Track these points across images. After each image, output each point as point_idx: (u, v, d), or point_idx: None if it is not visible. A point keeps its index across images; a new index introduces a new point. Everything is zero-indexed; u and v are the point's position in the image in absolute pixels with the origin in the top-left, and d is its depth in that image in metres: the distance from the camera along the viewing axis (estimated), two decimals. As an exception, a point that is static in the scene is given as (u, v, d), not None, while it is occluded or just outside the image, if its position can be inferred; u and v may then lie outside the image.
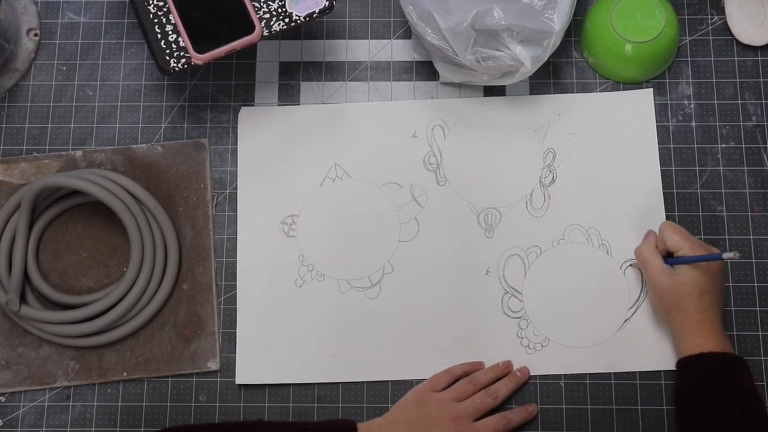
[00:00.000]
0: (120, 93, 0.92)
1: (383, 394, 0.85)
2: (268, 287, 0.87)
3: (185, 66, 0.80)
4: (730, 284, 0.86)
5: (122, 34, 0.94)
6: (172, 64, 0.80)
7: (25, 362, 0.86)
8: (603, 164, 0.89)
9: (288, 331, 0.86)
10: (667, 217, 0.88)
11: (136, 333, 0.86)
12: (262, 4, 0.81)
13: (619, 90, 0.91)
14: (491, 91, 0.92)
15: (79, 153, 0.90)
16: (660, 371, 0.84)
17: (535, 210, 0.88)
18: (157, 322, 0.86)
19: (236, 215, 0.89)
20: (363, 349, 0.85)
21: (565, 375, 0.85)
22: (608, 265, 0.87)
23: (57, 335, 0.84)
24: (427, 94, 0.92)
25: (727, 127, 0.90)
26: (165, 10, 0.81)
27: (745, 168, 0.89)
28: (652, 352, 0.84)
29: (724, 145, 0.90)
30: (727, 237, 0.87)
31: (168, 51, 0.80)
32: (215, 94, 0.92)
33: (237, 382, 0.85)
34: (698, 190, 0.89)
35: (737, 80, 0.91)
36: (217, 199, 0.90)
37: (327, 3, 0.81)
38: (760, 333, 0.85)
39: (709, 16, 0.93)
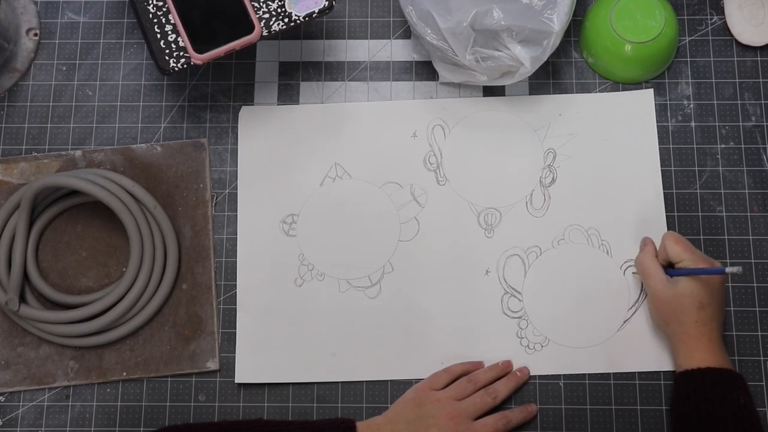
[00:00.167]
0: (119, 93, 0.92)
1: (383, 393, 0.85)
2: (268, 287, 0.87)
3: (185, 66, 0.80)
4: (730, 285, 0.86)
5: (122, 34, 0.94)
6: (172, 64, 0.80)
7: (25, 362, 0.86)
8: (603, 164, 0.89)
9: (288, 330, 0.86)
10: (667, 218, 0.88)
11: (135, 333, 0.86)
12: (261, 4, 0.81)
13: (618, 90, 0.91)
14: (491, 91, 0.92)
15: (78, 153, 0.90)
16: (659, 371, 0.84)
17: (535, 210, 0.88)
18: (156, 322, 0.86)
19: (236, 215, 0.89)
20: (363, 348, 0.85)
21: (564, 375, 0.85)
22: (608, 266, 0.87)
23: (56, 335, 0.84)
24: (427, 94, 0.92)
25: (727, 128, 0.90)
26: (164, 10, 0.81)
27: (745, 168, 0.89)
28: (651, 352, 0.84)
29: (723, 146, 0.90)
30: (726, 237, 0.87)
31: (167, 51, 0.80)
32: (215, 94, 0.92)
33: (236, 382, 0.85)
34: (698, 191, 0.89)
35: (737, 80, 0.91)
36: (216, 199, 0.90)
37: (326, 3, 0.81)
38: (760, 333, 0.85)
39: (708, 17, 0.93)
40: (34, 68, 0.93)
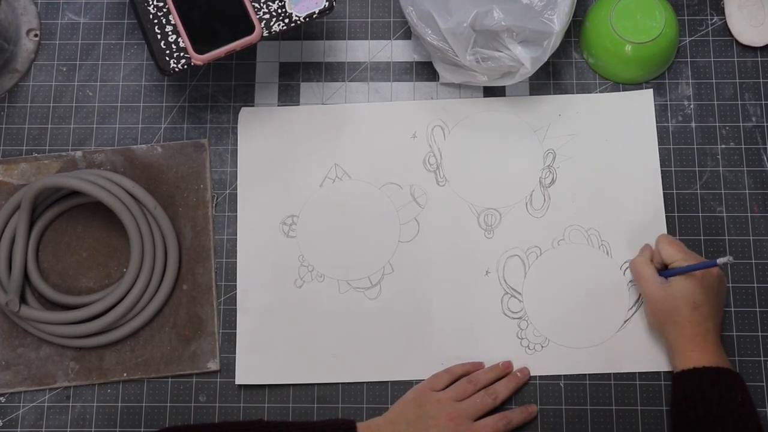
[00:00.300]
0: (120, 93, 0.92)
1: (383, 394, 0.85)
2: (268, 288, 0.87)
3: (185, 66, 0.80)
4: (730, 285, 0.86)
5: (122, 35, 0.94)
6: (172, 65, 0.80)
7: (25, 363, 0.86)
8: (603, 165, 0.89)
9: (288, 331, 0.86)
10: (667, 218, 0.88)
11: (136, 333, 0.86)
12: (262, 4, 0.81)
13: (619, 90, 0.91)
14: (491, 91, 0.92)
15: (79, 153, 0.90)
16: (660, 372, 0.84)
17: (535, 210, 0.88)
18: (157, 323, 0.86)
19: (236, 216, 0.89)
20: (363, 349, 0.85)
21: (564, 375, 0.85)
22: (608, 266, 0.87)
23: (57, 336, 0.85)
24: (427, 95, 0.92)
25: (727, 128, 0.90)
26: (165, 10, 0.81)
27: (745, 168, 0.89)
28: (652, 352, 0.84)
29: (723, 146, 0.90)
30: (726, 237, 0.87)
31: (168, 51, 0.80)
32: (215, 95, 0.92)
33: (237, 383, 0.85)
34: (698, 191, 0.89)
35: (737, 81, 0.91)
36: (217, 199, 0.90)
37: (327, 3, 0.81)
38: (760, 333, 0.85)
39: (708, 17, 0.93)
40: (35, 69, 0.93)
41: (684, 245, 0.82)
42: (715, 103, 0.91)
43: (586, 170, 0.89)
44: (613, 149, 0.89)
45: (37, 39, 0.94)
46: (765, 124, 0.90)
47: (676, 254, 0.80)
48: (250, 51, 0.93)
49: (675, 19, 0.89)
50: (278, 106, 0.92)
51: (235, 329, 0.86)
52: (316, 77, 0.93)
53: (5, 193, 0.89)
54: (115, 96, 0.92)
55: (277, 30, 0.81)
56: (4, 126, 0.92)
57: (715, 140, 0.90)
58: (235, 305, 0.87)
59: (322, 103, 0.92)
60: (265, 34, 0.81)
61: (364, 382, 0.85)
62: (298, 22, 0.81)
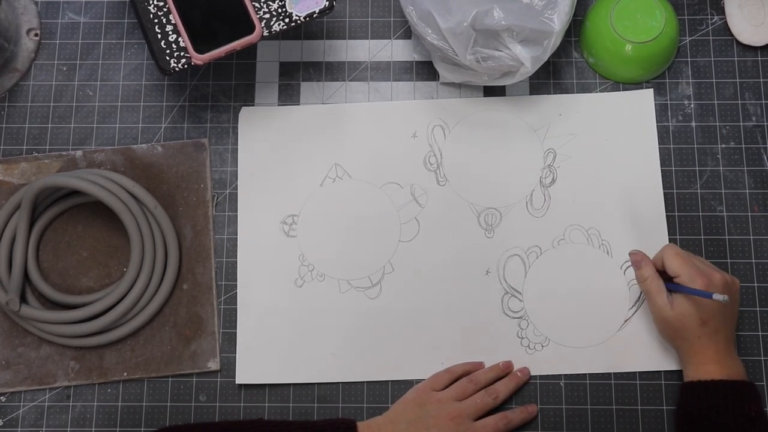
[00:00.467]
0: (120, 93, 0.92)
1: (383, 394, 0.85)
2: (269, 287, 0.87)
3: (185, 66, 0.80)
4: (730, 284, 0.86)
5: (122, 34, 0.94)
6: (172, 64, 0.80)
7: (26, 362, 0.86)
8: (603, 164, 0.89)
9: (288, 331, 0.86)
10: (668, 217, 0.88)
11: (136, 333, 0.86)
12: (262, 4, 0.81)
13: (619, 90, 0.91)
14: (491, 91, 0.92)
15: (79, 153, 0.90)
16: (660, 371, 0.84)
17: (536, 210, 0.88)
18: (157, 322, 0.86)
19: (236, 215, 0.89)
20: (363, 349, 0.85)
21: (565, 375, 0.85)
22: (608, 265, 0.87)
23: (57, 335, 0.85)
24: (427, 95, 0.92)
25: (727, 127, 0.90)
26: (165, 10, 0.81)
27: (745, 168, 0.89)
28: (652, 352, 0.84)
29: (724, 145, 0.90)
30: (727, 237, 0.87)
31: (168, 51, 0.80)
32: (215, 94, 0.92)
33: (237, 382, 0.85)
34: (698, 190, 0.89)
35: (737, 80, 0.91)
36: (217, 199, 0.90)
37: (327, 3, 0.81)
38: (760, 333, 0.85)
39: (709, 16, 0.93)
40: (35, 68, 0.93)
41: (690, 257, 0.80)
42: (716, 102, 0.91)
43: (587, 170, 0.89)
44: (613, 149, 0.89)
45: (37, 38, 0.94)
46: (765, 123, 0.90)
47: (680, 269, 0.78)
48: (251, 51, 0.93)
49: (675, 19, 0.89)
50: (278, 105, 0.92)
51: (236, 329, 0.86)
52: (316, 77, 0.93)
53: (5, 192, 0.89)
54: (115, 95, 0.92)
55: (278, 30, 0.81)
56: (4, 125, 0.92)
57: (716, 140, 0.90)
58: (236, 305, 0.87)
59: (323, 103, 0.92)
60: (266, 33, 0.81)
61: (364, 382, 0.85)
62: (299, 21, 0.81)
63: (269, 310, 0.86)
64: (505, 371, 0.84)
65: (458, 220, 0.88)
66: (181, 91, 0.93)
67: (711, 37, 0.93)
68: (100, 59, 0.93)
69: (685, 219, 0.88)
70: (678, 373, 0.84)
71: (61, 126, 0.92)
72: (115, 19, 0.94)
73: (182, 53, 0.81)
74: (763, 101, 0.91)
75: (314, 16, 0.81)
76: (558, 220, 0.88)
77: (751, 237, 0.88)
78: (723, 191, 0.89)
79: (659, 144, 0.90)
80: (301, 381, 0.85)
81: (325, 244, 0.88)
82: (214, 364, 0.85)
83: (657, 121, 0.90)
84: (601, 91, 0.92)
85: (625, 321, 0.85)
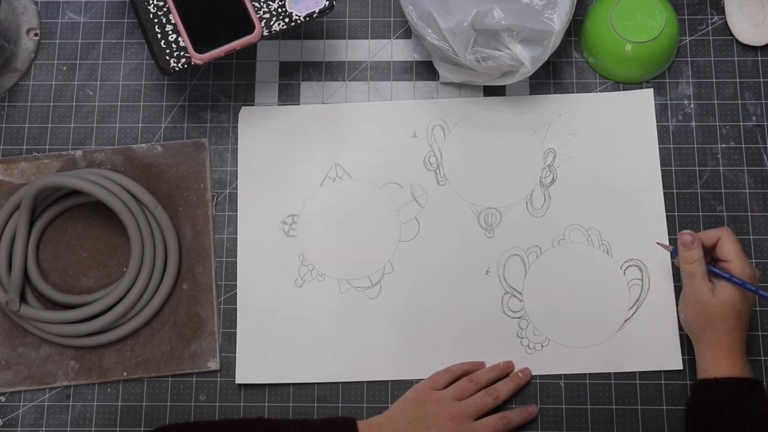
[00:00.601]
0: (120, 93, 0.92)
1: (383, 393, 0.85)
2: (269, 287, 0.87)
3: (185, 66, 0.80)
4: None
5: (122, 34, 0.94)
6: (172, 64, 0.80)
7: (25, 362, 0.86)
8: (603, 164, 0.89)
9: (288, 330, 0.86)
10: (668, 217, 0.87)
11: (136, 333, 0.86)
12: (262, 4, 0.81)
13: (619, 90, 0.91)
14: (491, 91, 0.92)
15: (79, 153, 0.90)
16: (660, 371, 0.84)
17: (536, 210, 0.88)
18: (157, 322, 0.86)
19: (236, 215, 0.89)
20: (363, 349, 0.85)
21: (565, 375, 0.85)
22: (608, 265, 0.87)
23: (57, 335, 0.84)
24: (427, 94, 0.92)
25: (727, 127, 0.90)
26: (165, 9, 0.81)
27: (745, 168, 0.89)
28: (652, 352, 0.84)
29: (724, 145, 0.90)
30: (727, 237, 0.87)
31: (168, 51, 0.80)
32: (215, 94, 0.92)
33: (237, 382, 0.85)
34: (698, 190, 0.89)
35: (737, 80, 0.91)
36: (217, 199, 0.90)
37: (327, 3, 0.81)
38: (760, 333, 0.85)
39: (709, 16, 0.93)
40: (35, 68, 0.93)
41: (742, 247, 0.78)
42: (716, 102, 0.91)
43: (587, 170, 0.89)
44: (613, 149, 0.89)
45: (37, 38, 0.94)
46: (765, 123, 0.90)
47: (735, 256, 0.77)
48: (250, 50, 0.93)
49: (675, 19, 0.89)
50: (278, 105, 0.92)
51: (235, 329, 0.86)
52: (316, 76, 0.93)
53: (5, 192, 0.89)
54: (115, 95, 0.92)
55: (277, 29, 0.81)
56: (4, 125, 0.92)
57: (716, 140, 0.90)
58: (235, 305, 0.87)
59: (322, 103, 0.92)
60: (265, 33, 0.81)
61: (364, 382, 0.85)
62: (298, 21, 0.81)
63: (269, 310, 0.86)
64: (505, 371, 0.84)
65: (458, 220, 0.88)
66: (181, 90, 0.93)
67: (711, 37, 0.93)
68: (100, 59, 0.93)
69: (686, 219, 0.88)
70: (678, 373, 0.84)
71: (61, 126, 0.92)
72: (115, 19, 0.94)
73: (182, 53, 0.81)
74: (763, 101, 0.91)
75: (314, 15, 0.81)
76: (558, 220, 0.88)
77: (751, 237, 0.88)
78: (723, 191, 0.89)
79: (659, 144, 0.90)
80: (301, 381, 0.85)
81: (325, 244, 0.88)
82: (214, 364, 0.85)
83: (657, 121, 0.90)
84: (601, 91, 0.92)
85: (625, 321, 0.85)
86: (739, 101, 0.91)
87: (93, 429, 0.85)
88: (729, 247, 0.78)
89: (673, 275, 0.86)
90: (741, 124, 0.90)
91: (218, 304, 0.87)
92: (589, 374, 0.85)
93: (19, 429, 0.84)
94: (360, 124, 0.91)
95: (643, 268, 0.86)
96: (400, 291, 0.87)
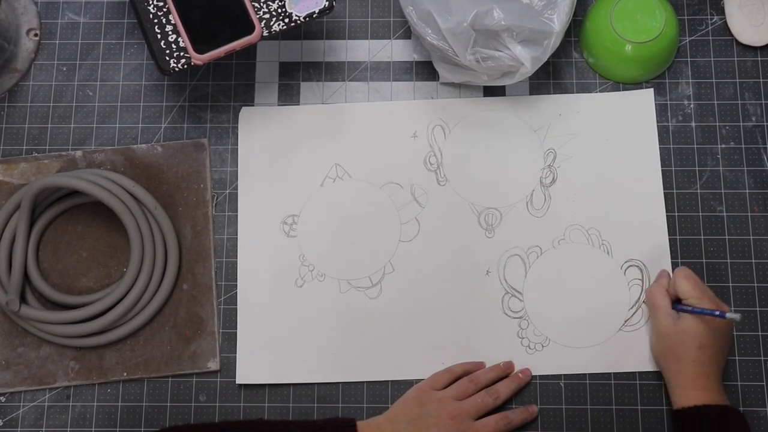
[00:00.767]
0: (120, 93, 0.92)
1: (383, 394, 0.85)
2: (269, 287, 0.87)
3: (185, 66, 0.80)
4: (730, 284, 0.86)
5: (122, 34, 0.94)
6: (172, 65, 0.80)
7: (25, 362, 0.86)
8: (603, 164, 0.89)
9: (288, 331, 0.86)
10: (668, 217, 0.88)
11: (136, 333, 0.86)
12: (262, 4, 0.81)
13: (619, 90, 0.92)
14: (491, 91, 0.92)
15: (79, 153, 0.90)
16: (659, 371, 0.84)
17: (536, 210, 0.88)
18: (157, 322, 0.86)
19: (236, 215, 0.89)
20: (363, 349, 0.85)
21: (565, 375, 0.85)
22: (608, 265, 0.87)
23: (57, 335, 0.84)
24: (427, 95, 0.92)
25: (727, 128, 0.90)
26: (165, 10, 0.81)
27: (745, 168, 0.89)
28: (651, 352, 0.84)
29: (724, 146, 0.90)
30: (726, 237, 0.87)
31: (168, 51, 0.80)
32: (215, 95, 0.92)
33: (237, 382, 0.85)
34: (698, 190, 0.89)
35: (737, 80, 0.91)
36: (217, 199, 0.90)
37: (327, 3, 0.81)
38: (760, 333, 0.85)
39: (709, 17, 0.93)
40: (35, 69, 0.93)
41: (701, 282, 0.80)
42: (715, 102, 0.91)
43: (587, 170, 0.89)
44: (613, 149, 0.89)
45: (37, 39, 0.94)
46: (765, 123, 0.90)
47: (691, 291, 0.78)
48: (250, 51, 0.93)
49: (675, 19, 0.89)
50: (278, 105, 0.92)
51: (236, 329, 0.86)
52: (316, 77, 0.93)
53: (5, 192, 0.89)
54: (115, 96, 0.92)
55: (277, 30, 0.81)
56: (4, 126, 0.92)
57: (715, 140, 0.90)
58: (236, 305, 0.87)
59: (322, 103, 0.92)
60: (265, 33, 0.81)
61: (364, 382, 0.85)
62: (298, 21, 0.81)
63: (269, 310, 0.86)
64: (506, 371, 0.84)
65: (458, 220, 0.88)
66: (181, 91, 0.93)
67: (711, 37, 0.93)
68: (99, 59, 0.93)
69: (685, 219, 0.88)
70: (678, 373, 0.84)
71: (61, 126, 0.92)
72: (115, 19, 0.94)
73: (182, 53, 0.81)
74: (763, 101, 0.91)
75: (314, 16, 0.81)
76: (558, 220, 0.88)
77: (751, 237, 0.88)
78: (723, 191, 0.89)
79: (659, 144, 0.90)
80: (301, 381, 0.85)
81: (325, 244, 0.88)
82: (214, 364, 0.85)
83: (657, 121, 0.90)
84: (601, 91, 0.92)
85: (625, 321, 0.85)
86: (739, 101, 0.91)
87: (93, 429, 0.85)
88: (682, 284, 0.80)
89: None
90: (741, 124, 0.90)
91: (218, 304, 0.87)
92: (589, 374, 0.85)
93: (19, 429, 0.84)
94: (360, 125, 0.91)
95: (644, 268, 0.86)
96: (401, 291, 0.87)
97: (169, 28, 0.81)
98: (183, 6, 0.81)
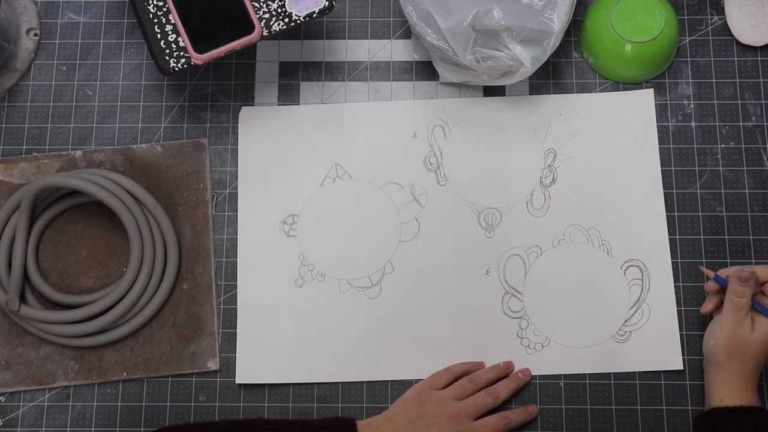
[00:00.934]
0: (120, 93, 0.92)
1: (383, 394, 0.85)
2: (269, 287, 0.87)
3: (185, 66, 0.80)
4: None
5: (122, 34, 0.94)
6: (172, 64, 0.80)
7: (25, 362, 0.85)
8: (603, 164, 0.89)
9: (288, 331, 0.86)
10: (668, 217, 0.87)
11: (135, 333, 0.86)
12: (261, 4, 0.81)
13: (619, 90, 0.91)
14: (491, 91, 0.92)
15: (78, 153, 0.90)
16: (660, 371, 0.84)
17: (536, 210, 0.88)
18: (156, 322, 0.86)
19: (236, 215, 0.89)
20: (363, 349, 0.85)
21: (565, 375, 0.85)
22: (609, 265, 0.87)
23: (57, 335, 0.84)
24: (427, 94, 0.92)
25: (727, 127, 0.90)
26: (165, 10, 0.81)
27: (745, 168, 0.89)
28: (652, 352, 0.84)
29: (723, 145, 0.90)
30: (726, 237, 0.87)
31: (168, 51, 0.80)
32: (215, 94, 0.92)
33: (237, 382, 0.85)
34: (698, 190, 0.89)
35: (737, 80, 0.91)
36: (216, 199, 0.90)
37: (327, 3, 0.81)
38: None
39: (708, 16, 0.93)
40: (35, 68, 0.93)
41: None
42: (715, 102, 0.91)
43: (587, 170, 0.89)
44: (613, 149, 0.89)
45: (37, 38, 0.94)
46: (765, 123, 0.90)
47: None
48: (250, 50, 0.93)
49: (675, 19, 0.89)
50: (278, 105, 0.92)
51: (235, 329, 0.86)
52: (316, 77, 0.93)
53: (5, 192, 0.89)
54: (114, 95, 0.92)
55: (277, 29, 0.81)
56: (4, 125, 0.92)
57: (715, 140, 0.90)
58: (235, 304, 0.87)
59: (322, 103, 0.92)
60: (265, 33, 0.81)
61: (364, 382, 0.85)
62: (298, 21, 0.81)
63: (269, 310, 0.86)
64: (505, 371, 0.84)
65: (458, 220, 0.88)
66: (181, 91, 0.93)
67: (711, 37, 0.93)
68: (99, 59, 0.93)
69: (685, 219, 0.88)
70: (678, 374, 0.84)
71: (61, 126, 0.91)
72: (115, 19, 0.94)
73: (182, 53, 0.81)
74: (763, 101, 0.91)
75: (314, 16, 0.81)
76: (558, 220, 0.88)
77: (751, 237, 0.88)
78: (723, 191, 0.89)
79: (659, 144, 0.90)
80: (301, 381, 0.85)
81: (325, 244, 0.88)
82: (213, 364, 0.85)
83: (657, 121, 0.90)
84: (601, 91, 0.92)
85: (625, 321, 0.85)
86: (739, 101, 0.91)
87: (93, 429, 0.85)
88: None
89: (674, 275, 0.86)
90: (741, 124, 0.90)
91: (218, 304, 0.87)
92: (589, 374, 0.85)
93: (19, 429, 0.84)
94: (360, 124, 0.91)
95: (644, 268, 0.86)
96: (401, 291, 0.87)
97: (169, 27, 0.81)
98: (183, 6, 0.81)
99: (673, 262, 0.87)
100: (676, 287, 0.86)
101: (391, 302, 0.86)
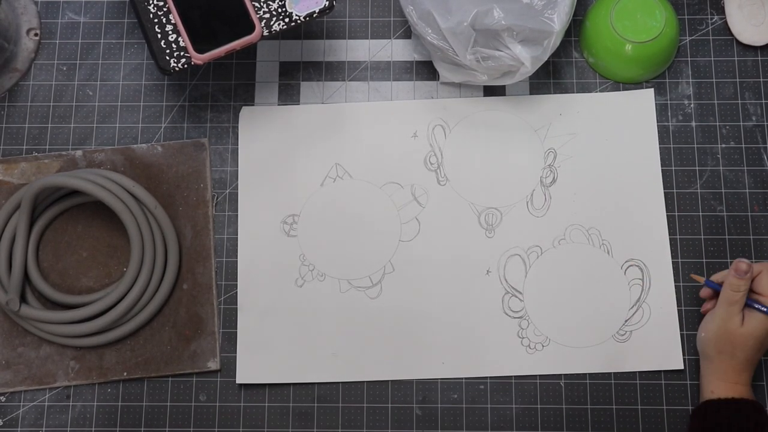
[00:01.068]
0: (120, 93, 0.92)
1: (383, 394, 0.85)
2: (269, 287, 0.87)
3: (185, 66, 0.80)
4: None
5: (122, 34, 0.94)
6: (172, 64, 0.80)
7: (25, 362, 0.86)
8: (604, 164, 0.89)
9: (288, 330, 0.86)
10: (668, 217, 0.88)
11: (136, 333, 0.86)
12: (262, 3, 0.81)
13: (619, 90, 0.92)
14: (491, 91, 0.92)
15: (79, 153, 0.90)
16: (660, 371, 0.84)
17: (536, 210, 0.88)
18: (157, 322, 0.86)
19: (236, 215, 0.89)
20: (363, 348, 0.85)
21: (565, 375, 0.85)
22: (609, 265, 0.87)
23: (57, 335, 0.84)
24: (427, 94, 0.92)
25: (727, 127, 0.90)
26: (165, 9, 0.81)
27: (745, 168, 0.89)
28: (652, 351, 0.84)
29: (724, 145, 0.90)
30: (727, 237, 0.87)
31: (168, 51, 0.80)
32: (215, 94, 0.92)
33: (237, 382, 0.85)
34: (698, 190, 0.89)
35: (737, 80, 0.91)
36: (217, 199, 0.90)
37: (327, 3, 0.81)
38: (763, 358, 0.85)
39: (709, 16, 0.93)
40: (35, 68, 0.93)
41: None
42: (716, 102, 0.91)
43: (587, 169, 0.89)
44: (613, 148, 0.89)
45: (37, 38, 0.94)
46: (765, 123, 0.90)
47: None
48: (250, 50, 0.93)
49: (675, 19, 0.89)
50: (278, 105, 0.92)
51: (236, 328, 0.86)
52: (316, 76, 0.93)
53: (5, 192, 0.89)
54: (115, 95, 0.92)
55: (277, 29, 0.81)
56: (4, 125, 0.92)
57: (716, 139, 0.90)
58: (236, 304, 0.87)
59: (323, 103, 0.92)
60: (265, 33, 0.81)
61: (364, 382, 0.85)
62: (298, 21, 0.81)
63: (269, 310, 0.86)
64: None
65: (459, 219, 0.88)
66: (181, 90, 0.93)
67: (711, 37, 0.93)
68: (99, 59, 0.93)
69: (685, 219, 0.88)
70: (678, 373, 0.84)
71: (61, 126, 0.91)
72: (115, 19, 0.94)
73: (182, 53, 0.81)
74: (763, 101, 0.91)
75: (314, 15, 0.81)
76: (558, 220, 0.88)
77: (751, 237, 0.88)
78: (723, 191, 0.89)
79: (659, 144, 0.90)
80: (301, 381, 0.85)
81: (325, 244, 0.88)
82: (214, 364, 0.85)
83: (657, 121, 0.90)
84: (601, 91, 0.92)
85: (626, 321, 0.85)
86: (739, 101, 0.91)
87: (93, 429, 0.85)
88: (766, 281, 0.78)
89: (674, 275, 0.86)
90: (741, 124, 0.90)
91: (218, 304, 0.87)
92: (589, 374, 0.85)
93: (19, 429, 0.84)
94: (360, 124, 0.91)
95: (644, 268, 0.86)
96: (401, 291, 0.87)
97: (169, 27, 0.81)
98: (183, 5, 0.81)
99: (673, 262, 0.87)
100: (677, 287, 0.86)
101: (391, 302, 0.86)
